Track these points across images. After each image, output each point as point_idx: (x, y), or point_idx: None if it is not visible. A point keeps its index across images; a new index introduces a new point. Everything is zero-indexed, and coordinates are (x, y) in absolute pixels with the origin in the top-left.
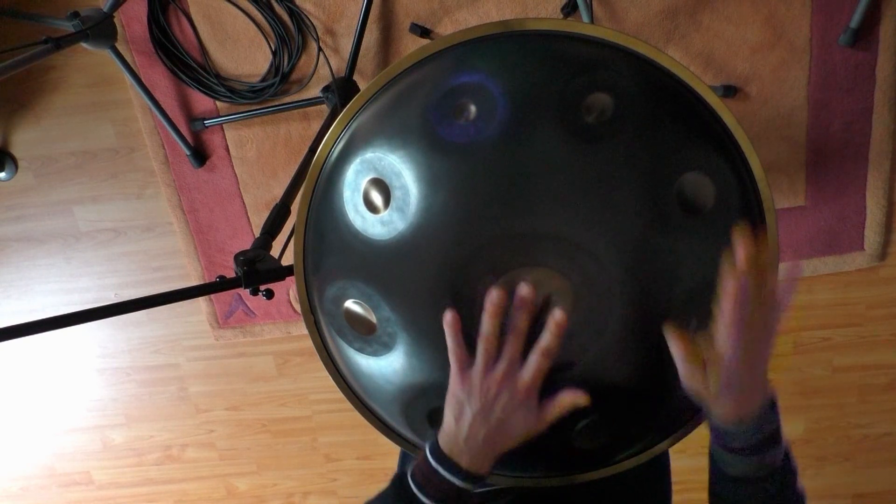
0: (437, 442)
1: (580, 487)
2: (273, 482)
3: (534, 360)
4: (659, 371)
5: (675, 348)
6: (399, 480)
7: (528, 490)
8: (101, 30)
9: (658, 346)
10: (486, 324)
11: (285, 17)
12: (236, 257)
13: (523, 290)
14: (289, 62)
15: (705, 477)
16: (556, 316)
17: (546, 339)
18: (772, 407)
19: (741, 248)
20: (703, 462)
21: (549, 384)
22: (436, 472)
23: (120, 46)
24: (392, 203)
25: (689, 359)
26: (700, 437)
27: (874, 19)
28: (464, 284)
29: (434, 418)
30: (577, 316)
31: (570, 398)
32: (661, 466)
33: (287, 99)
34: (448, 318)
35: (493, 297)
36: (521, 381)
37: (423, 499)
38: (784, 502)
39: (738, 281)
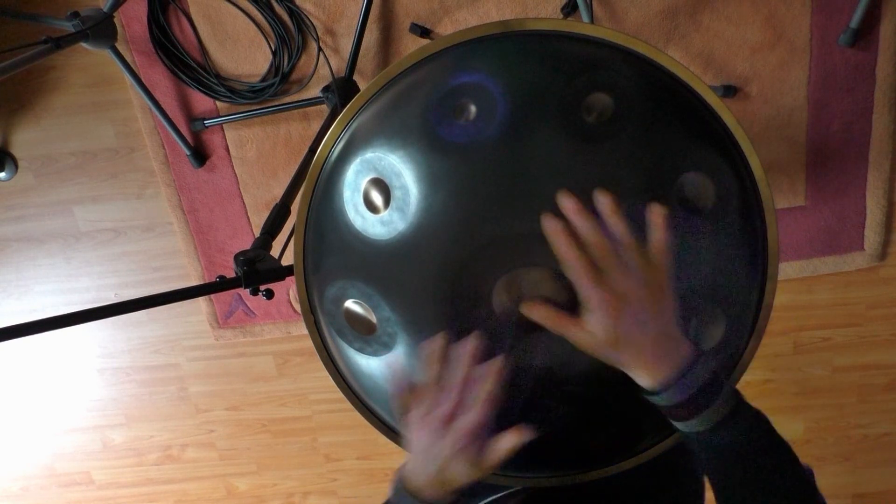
0: (401, 476)
1: (591, 485)
2: (273, 482)
3: (472, 410)
4: None
5: (538, 316)
6: None
7: (539, 490)
8: (101, 30)
9: None
10: (425, 371)
11: (285, 17)
12: (236, 257)
13: (468, 346)
14: (289, 62)
15: None
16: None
17: (486, 385)
18: (697, 364)
19: (567, 199)
20: None
21: (549, 385)
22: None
23: (120, 46)
24: (392, 203)
25: (558, 321)
26: None
27: (874, 19)
28: (464, 284)
29: None
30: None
31: (510, 440)
32: (676, 465)
33: (287, 99)
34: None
35: (427, 349)
36: (457, 429)
37: None
38: (760, 447)
39: (563, 231)
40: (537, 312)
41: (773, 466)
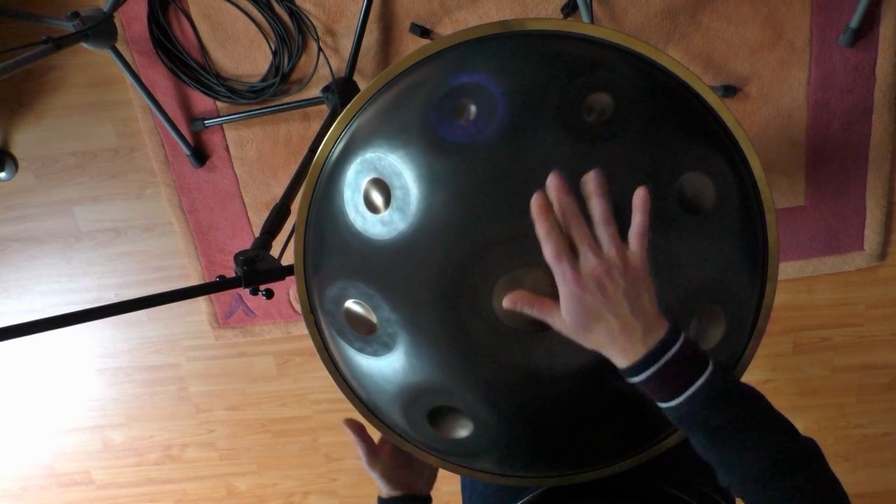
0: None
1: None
2: (273, 482)
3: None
4: None
5: (513, 302)
6: None
7: (558, 488)
8: (101, 30)
9: None
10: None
11: (285, 17)
12: (236, 257)
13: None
14: (289, 62)
15: None
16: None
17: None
18: (671, 341)
19: (553, 179)
20: None
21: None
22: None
23: (120, 46)
24: (392, 203)
25: (535, 305)
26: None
27: (874, 19)
28: (464, 284)
29: (434, 418)
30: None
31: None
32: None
33: (287, 99)
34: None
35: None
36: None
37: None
38: (754, 419)
39: (543, 210)
40: (513, 299)
41: (767, 445)
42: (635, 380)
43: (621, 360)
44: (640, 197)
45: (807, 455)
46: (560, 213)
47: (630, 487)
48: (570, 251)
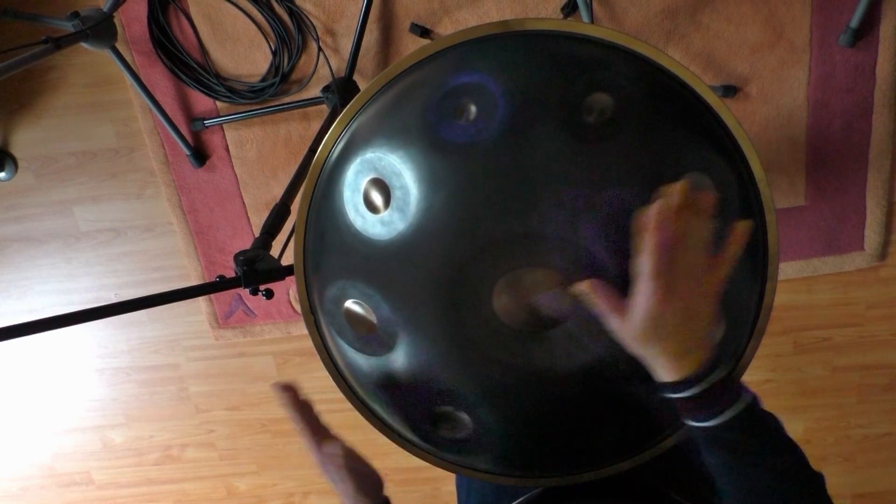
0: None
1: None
2: (273, 482)
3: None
4: None
5: (591, 297)
6: None
7: (557, 489)
8: (101, 30)
9: None
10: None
11: (285, 17)
12: (236, 257)
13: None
14: (289, 62)
15: None
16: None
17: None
18: (715, 369)
19: (671, 189)
20: None
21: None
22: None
23: (120, 46)
24: (392, 203)
25: (606, 297)
26: None
27: (874, 19)
28: (464, 284)
29: (434, 418)
30: (578, 316)
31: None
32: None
33: (287, 99)
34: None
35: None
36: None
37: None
38: (771, 447)
39: (656, 214)
40: (590, 284)
41: (783, 468)
42: (677, 395)
43: (670, 375)
44: (742, 231)
45: (816, 484)
46: (672, 220)
47: (629, 488)
48: (669, 262)
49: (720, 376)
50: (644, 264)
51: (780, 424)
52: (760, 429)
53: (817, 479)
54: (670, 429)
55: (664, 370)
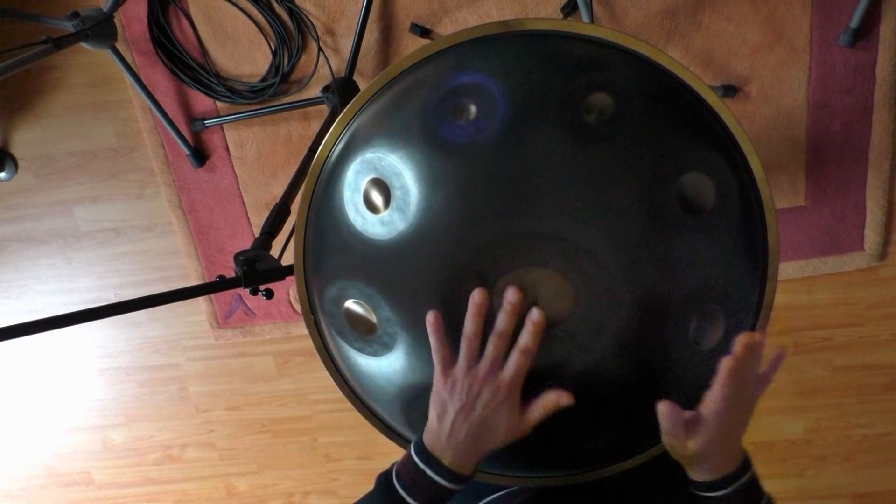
0: (421, 441)
1: (592, 485)
2: (273, 482)
3: (513, 359)
4: (657, 372)
5: (665, 417)
6: (384, 481)
7: (543, 490)
8: (101, 30)
9: (657, 348)
10: (469, 324)
11: (285, 17)
12: (236, 257)
13: (510, 295)
14: (289, 62)
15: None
16: (534, 316)
17: (524, 338)
18: (745, 467)
19: (743, 339)
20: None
21: (550, 382)
22: (422, 471)
23: (120, 46)
24: (392, 203)
25: (674, 427)
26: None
27: (874, 19)
28: (464, 284)
29: None
30: (577, 316)
31: (553, 399)
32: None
33: (287, 99)
34: (430, 318)
35: (475, 298)
36: (501, 380)
37: (409, 499)
38: None
39: (736, 365)
40: (670, 415)
41: None
42: (708, 493)
43: (706, 476)
44: (779, 356)
45: None
46: (744, 365)
47: (629, 488)
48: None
49: (747, 478)
50: (715, 404)
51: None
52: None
53: None
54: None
55: (700, 474)
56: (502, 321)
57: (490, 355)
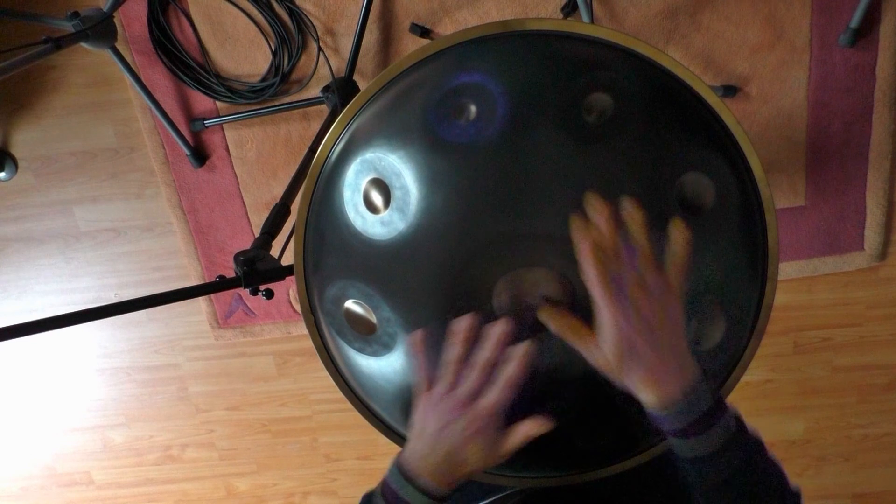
0: (398, 460)
1: (589, 485)
2: (273, 482)
3: (495, 391)
4: None
5: (555, 326)
6: (368, 500)
7: (537, 491)
8: (101, 30)
9: None
10: (452, 348)
11: (285, 17)
12: (236, 257)
13: (497, 328)
14: (289, 62)
15: None
16: (521, 350)
17: (510, 369)
18: (702, 386)
19: (598, 205)
20: None
21: (550, 386)
22: (395, 492)
23: (120, 46)
24: (392, 203)
25: (574, 333)
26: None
27: (874, 19)
28: (464, 284)
29: None
30: (577, 316)
31: (529, 429)
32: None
33: (287, 99)
34: (413, 339)
35: (456, 327)
36: (479, 409)
37: None
38: (755, 471)
39: (589, 238)
40: (556, 321)
41: (764, 491)
42: (661, 419)
43: (652, 399)
44: (679, 230)
45: (794, 499)
46: (605, 244)
47: (630, 488)
48: (616, 287)
49: (704, 400)
50: (587, 280)
51: (763, 444)
52: (743, 448)
53: (796, 494)
54: (656, 438)
55: (648, 395)
56: (488, 350)
57: (471, 384)
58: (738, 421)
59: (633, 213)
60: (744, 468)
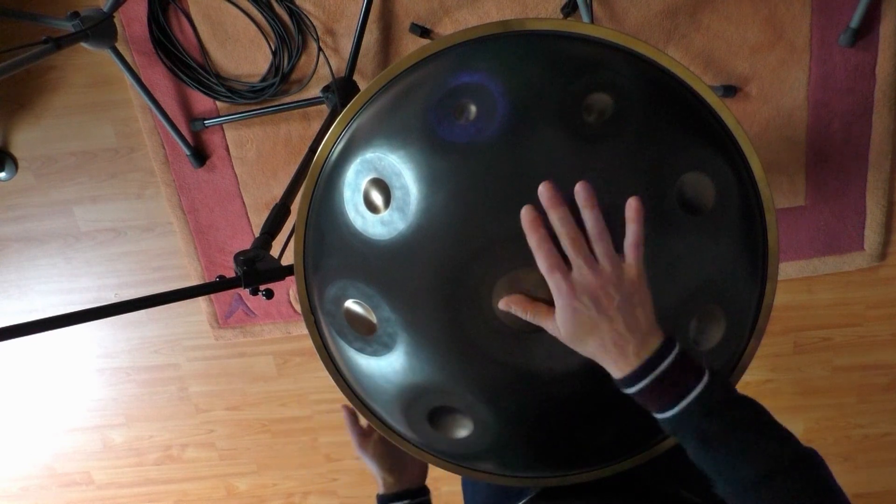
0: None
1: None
2: (273, 482)
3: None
4: None
5: (518, 309)
6: None
7: (546, 491)
8: (101, 30)
9: None
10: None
11: (285, 17)
12: (236, 257)
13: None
14: (289, 62)
15: None
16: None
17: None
18: (666, 353)
19: (548, 193)
20: None
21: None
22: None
23: (120, 46)
24: (392, 203)
25: (534, 313)
26: None
27: (874, 19)
28: (464, 284)
29: (434, 418)
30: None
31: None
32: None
33: (287, 99)
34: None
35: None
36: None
37: None
38: (764, 429)
39: (538, 227)
40: (517, 305)
41: (761, 452)
42: (629, 391)
43: (615, 372)
44: (633, 207)
45: (802, 462)
46: (554, 224)
47: (630, 488)
48: (564, 263)
49: (672, 365)
50: (539, 265)
51: (754, 403)
52: (726, 412)
53: (805, 456)
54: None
55: (609, 367)
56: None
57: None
58: (720, 382)
59: (579, 191)
60: (732, 426)
